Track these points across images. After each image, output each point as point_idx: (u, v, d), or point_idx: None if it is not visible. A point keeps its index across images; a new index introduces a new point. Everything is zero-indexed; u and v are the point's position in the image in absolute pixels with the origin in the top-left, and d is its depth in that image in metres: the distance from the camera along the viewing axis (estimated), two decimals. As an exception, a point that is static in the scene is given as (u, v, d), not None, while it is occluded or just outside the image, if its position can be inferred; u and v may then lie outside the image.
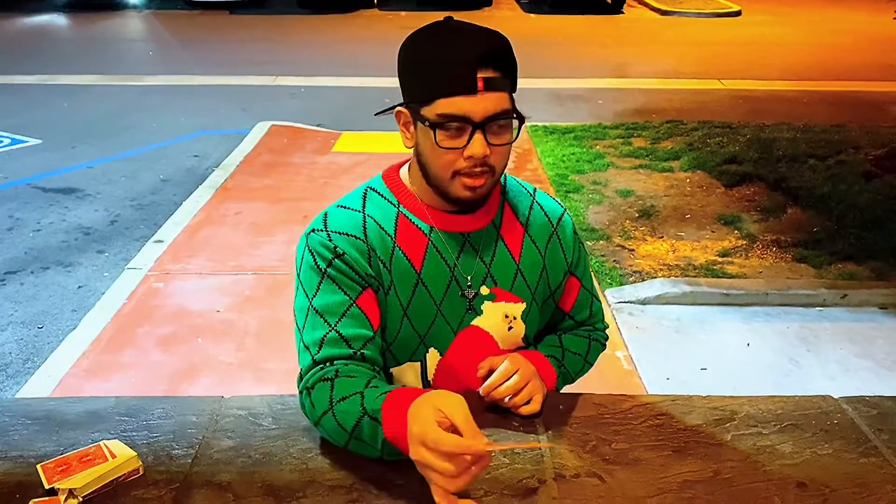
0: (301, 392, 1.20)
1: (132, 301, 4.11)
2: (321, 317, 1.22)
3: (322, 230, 1.26)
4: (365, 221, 1.27)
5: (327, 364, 1.19)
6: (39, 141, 7.10)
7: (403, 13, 14.96)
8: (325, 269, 1.23)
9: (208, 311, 4.00)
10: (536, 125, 7.39)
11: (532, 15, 15.30)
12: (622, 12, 15.70)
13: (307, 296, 1.24)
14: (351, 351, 1.20)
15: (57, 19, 14.66)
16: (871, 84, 9.66)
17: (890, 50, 11.53)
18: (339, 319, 1.22)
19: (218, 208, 5.43)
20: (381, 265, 1.26)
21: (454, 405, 1.00)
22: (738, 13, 15.36)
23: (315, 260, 1.24)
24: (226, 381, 3.42)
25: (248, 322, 3.89)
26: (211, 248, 4.78)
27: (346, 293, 1.23)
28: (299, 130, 7.44)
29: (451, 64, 1.13)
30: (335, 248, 1.23)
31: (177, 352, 3.65)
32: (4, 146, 6.94)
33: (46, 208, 5.51)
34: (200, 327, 3.85)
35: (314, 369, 1.19)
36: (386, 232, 1.27)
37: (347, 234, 1.25)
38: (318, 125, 7.64)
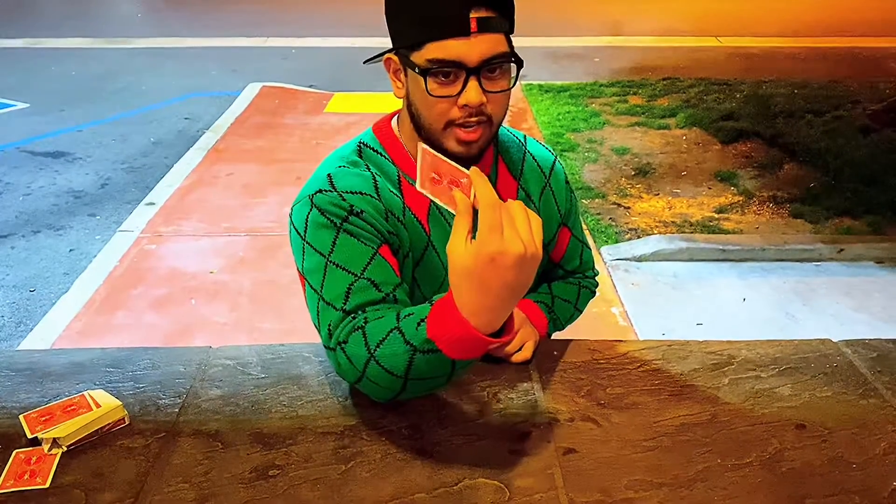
0: (334, 350, 1.06)
1: (124, 263, 4.07)
2: (342, 269, 1.09)
3: (330, 191, 1.13)
4: (375, 181, 1.17)
5: (359, 312, 1.06)
6: (27, 105, 6.99)
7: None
8: (341, 225, 1.11)
9: (202, 273, 3.96)
10: (531, 84, 7.30)
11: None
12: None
13: (321, 254, 1.10)
14: (382, 294, 1.08)
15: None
16: (869, 40, 9.54)
17: (889, 6, 11.37)
18: (365, 267, 1.09)
19: (210, 170, 5.37)
20: (400, 224, 1.18)
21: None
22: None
23: (327, 217, 1.11)
24: (220, 342, 3.35)
25: (242, 283, 3.86)
26: (203, 209, 4.73)
27: (366, 244, 1.11)
28: (291, 91, 7.33)
29: (441, 4, 1.04)
30: (350, 206, 1.12)
31: (170, 313, 3.62)
32: (-9, 110, 6.85)
33: (36, 172, 5.43)
34: (194, 288, 3.82)
35: (344, 321, 1.06)
36: (394, 193, 1.19)
37: (361, 193, 1.14)
38: (310, 86, 7.53)
